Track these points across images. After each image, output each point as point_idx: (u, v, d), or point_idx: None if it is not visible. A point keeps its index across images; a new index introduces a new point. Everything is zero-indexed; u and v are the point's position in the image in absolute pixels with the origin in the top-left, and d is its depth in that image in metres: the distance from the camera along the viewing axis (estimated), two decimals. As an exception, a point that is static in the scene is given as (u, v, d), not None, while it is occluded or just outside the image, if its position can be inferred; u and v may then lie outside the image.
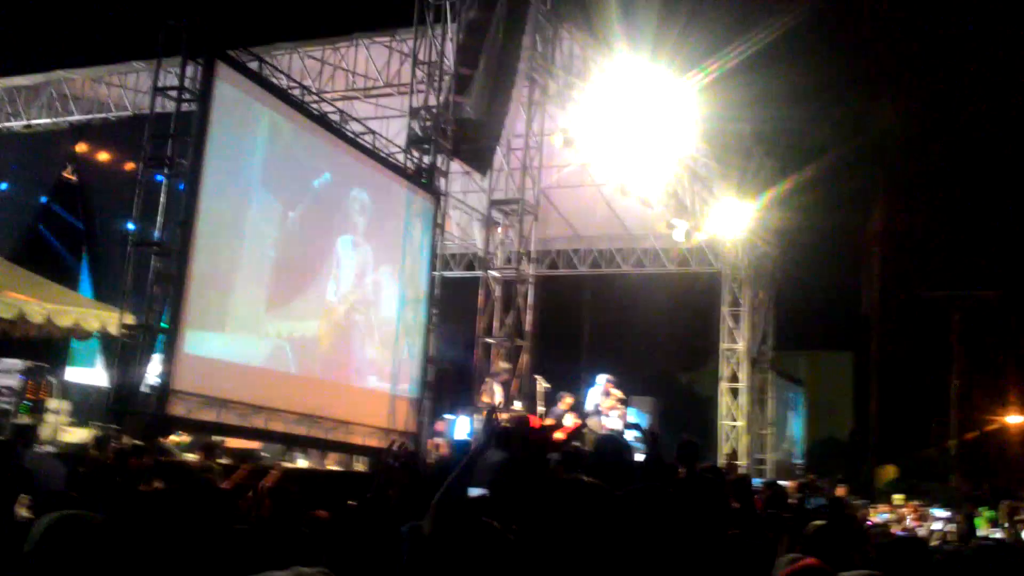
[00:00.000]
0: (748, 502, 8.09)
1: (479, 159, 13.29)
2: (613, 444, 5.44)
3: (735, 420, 20.85)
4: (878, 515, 17.93)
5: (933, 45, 26.08)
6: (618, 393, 15.07)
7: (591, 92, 14.62)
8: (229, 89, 9.77)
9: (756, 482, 12.62)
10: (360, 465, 13.20)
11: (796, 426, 27.69)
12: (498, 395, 13.51)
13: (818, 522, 4.03)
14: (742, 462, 20.32)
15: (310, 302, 10.97)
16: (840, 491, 15.90)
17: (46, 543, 2.51)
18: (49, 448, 12.11)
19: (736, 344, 21.14)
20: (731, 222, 18.51)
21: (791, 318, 24.85)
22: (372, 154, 12.41)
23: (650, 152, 15.34)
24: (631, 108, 14.23)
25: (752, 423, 21.26)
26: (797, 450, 27.22)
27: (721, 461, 19.86)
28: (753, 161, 18.64)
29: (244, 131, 10.01)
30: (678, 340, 27.99)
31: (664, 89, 14.33)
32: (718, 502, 5.54)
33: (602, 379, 15.22)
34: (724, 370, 21.16)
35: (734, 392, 20.97)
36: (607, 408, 14.77)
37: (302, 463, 13.36)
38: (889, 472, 28.01)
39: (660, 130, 14.93)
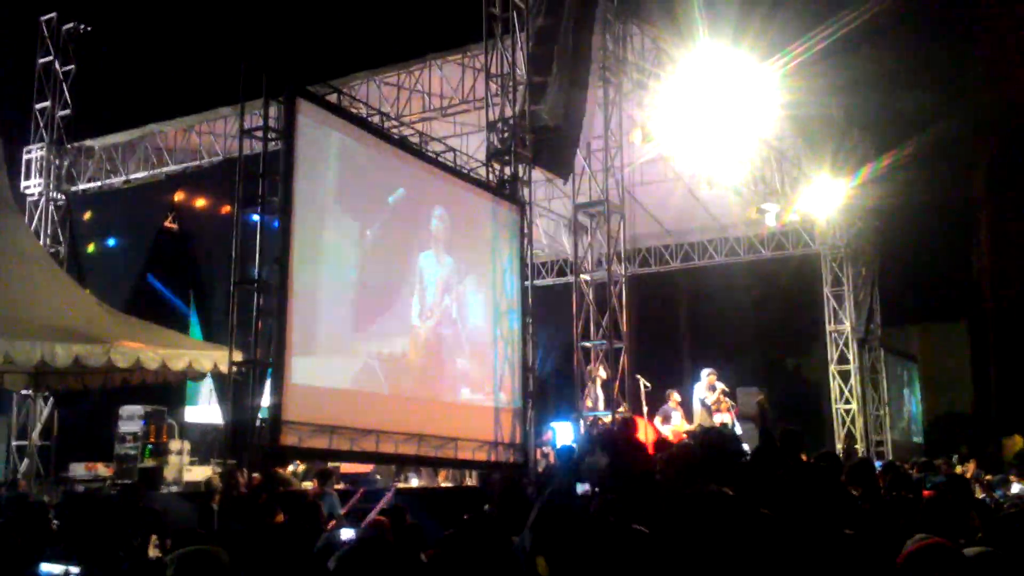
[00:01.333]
0: (870, 486, 7.86)
1: (560, 165, 13.28)
2: (717, 436, 5.35)
3: (848, 403, 20.28)
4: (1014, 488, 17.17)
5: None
6: (722, 386, 14.86)
7: (668, 84, 14.47)
8: (311, 124, 10.02)
9: (877, 465, 12.26)
10: (471, 480, 13.33)
11: (913, 404, 26.74)
12: (600, 400, 13.47)
13: (932, 497, 3.90)
14: (859, 446, 19.75)
15: (397, 320, 11.08)
16: (970, 467, 15.30)
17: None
18: (174, 488, 12.63)
19: (842, 325, 20.59)
20: (824, 201, 18.06)
21: (898, 293, 24.07)
22: (453, 171, 12.54)
23: (734, 139, 15.09)
24: (712, 96, 14.01)
25: (866, 405, 20.66)
26: (916, 428, 26.29)
27: (839, 447, 19.36)
28: (848, 139, 18.16)
29: (321, 159, 10.24)
30: (781, 326, 27.36)
31: (746, 75, 14.08)
32: (833, 490, 5.38)
33: (705, 373, 15.04)
34: (832, 352, 20.63)
35: (844, 375, 20.41)
36: (713, 403, 14.58)
37: (415, 482, 13.57)
38: (1017, 443, 26.77)
39: (743, 116, 14.67)
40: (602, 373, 13.54)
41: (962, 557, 2.85)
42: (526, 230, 13.43)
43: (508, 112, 12.95)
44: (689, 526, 1.78)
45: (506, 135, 12.99)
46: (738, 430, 13.51)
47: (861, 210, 19.92)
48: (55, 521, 8.03)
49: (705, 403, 14.78)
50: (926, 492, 8.09)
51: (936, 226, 26.51)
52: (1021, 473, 17.09)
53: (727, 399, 14.96)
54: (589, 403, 13.42)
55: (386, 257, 11.09)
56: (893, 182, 18.88)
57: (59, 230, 18.35)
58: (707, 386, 14.91)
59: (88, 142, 18.71)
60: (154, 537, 7.98)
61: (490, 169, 13.19)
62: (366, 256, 10.79)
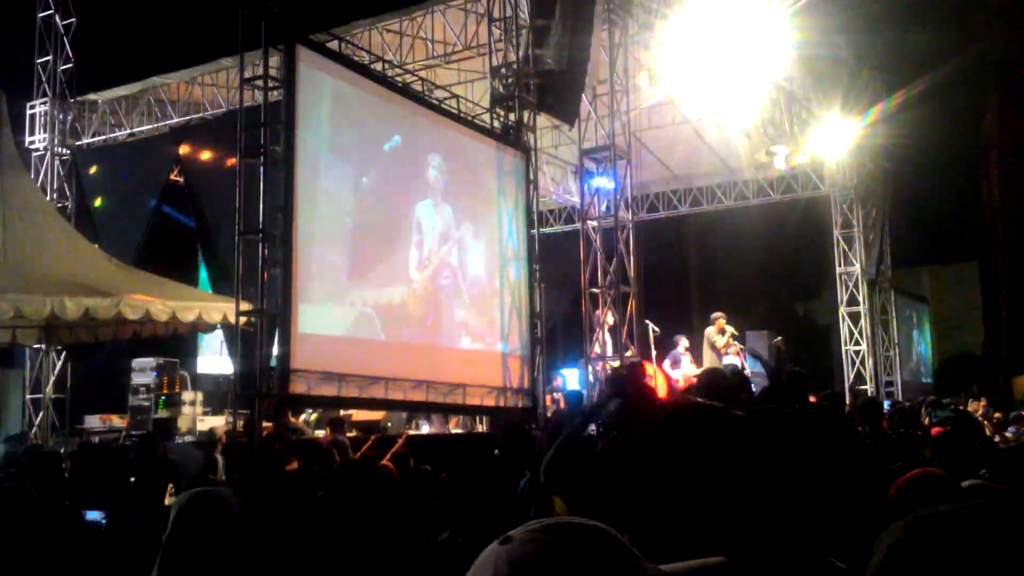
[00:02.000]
0: (876, 424, 7.91)
1: (565, 110, 13.16)
2: (717, 376, 5.37)
3: (858, 345, 20.29)
4: None
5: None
6: (731, 329, 14.87)
7: (675, 25, 14.24)
8: (312, 71, 9.93)
9: (886, 404, 12.31)
10: (482, 426, 13.45)
11: (923, 345, 26.74)
12: (608, 345, 13.51)
13: (940, 431, 3.91)
14: (869, 386, 19.79)
15: (396, 268, 11.08)
16: (973, 406, 15.36)
17: (183, 517, 2.65)
18: (188, 438, 12.79)
19: (852, 267, 20.50)
20: (834, 142, 17.86)
21: (908, 234, 23.96)
22: (456, 118, 12.43)
23: (743, 81, 14.89)
24: (721, 37, 13.79)
25: (876, 346, 20.66)
26: (926, 369, 26.31)
27: (848, 388, 19.42)
28: (858, 80, 17.89)
29: (322, 106, 10.16)
30: (790, 270, 27.33)
31: (755, 14, 13.84)
32: (839, 428, 5.40)
33: (714, 317, 15.04)
34: (842, 295, 20.57)
35: (854, 316, 20.38)
36: (723, 346, 14.61)
37: (426, 429, 13.69)
38: (1026, 382, 26.82)
39: (752, 57, 14.45)
40: (609, 319, 13.55)
41: (954, 486, 2.86)
42: (532, 177, 13.36)
43: (512, 57, 12.80)
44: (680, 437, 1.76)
45: (510, 81, 12.86)
46: (748, 372, 13.53)
47: (871, 151, 19.71)
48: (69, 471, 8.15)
49: (715, 347, 14.81)
50: (935, 430, 8.14)
51: (947, 166, 26.30)
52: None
53: (736, 342, 14.99)
54: (597, 349, 13.46)
55: (383, 206, 11.04)
56: (903, 122, 18.65)
57: (65, 185, 18.33)
58: (717, 330, 14.94)
59: (91, 96, 18.60)
60: (170, 486, 8.11)
61: (494, 116, 13.09)
62: (364, 204, 10.76)
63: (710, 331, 15.12)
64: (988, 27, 24.49)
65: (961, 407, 13.39)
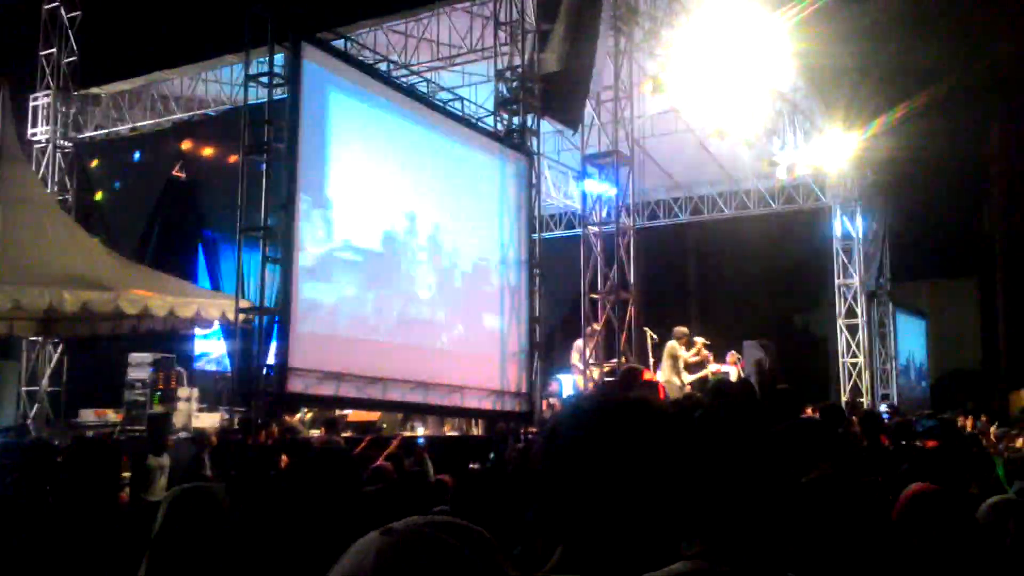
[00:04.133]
0: (875, 437, 7.89)
1: (569, 115, 13.16)
2: (725, 385, 5.35)
3: (855, 357, 20.28)
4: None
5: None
6: (701, 340, 14.64)
7: (680, 34, 14.26)
8: (316, 70, 9.93)
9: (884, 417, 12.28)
10: (477, 429, 13.42)
11: (921, 359, 26.73)
12: (587, 354, 13.48)
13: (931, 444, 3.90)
14: (866, 399, 19.78)
15: (397, 269, 11.06)
16: (962, 421, 15.38)
17: (172, 513, 2.63)
18: (183, 434, 12.75)
19: (851, 279, 20.51)
20: (836, 154, 17.88)
21: (908, 248, 23.94)
22: (460, 119, 12.43)
23: (745, 90, 14.90)
24: (724, 47, 13.82)
25: (873, 359, 20.65)
26: (923, 384, 26.31)
27: (844, 400, 19.41)
28: (860, 91, 17.92)
29: (326, 105, 10.15)
30: (788, 280, 27.28)
31: (758, 25, 13.87)
32: (828, 443, 5.36)
33: (679, 332, 14.58)
34: (840, 306, 20.57)
35: (852, 328, 20.37)
36: (692, 358, 14.28)
37: (421, 431, 13.66)
38: (1022, 398, 26.81)
39: (755, 67, 14.47)
40: (592, 328, 13.55)
41: (958, 503, 2.85)
42: (534, 181, 13.35)
43: (517, 61, 12.80)
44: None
45: (514, 84, 12.85)
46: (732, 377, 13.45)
47: (873, 163, 19.73)
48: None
49: (677, 360, 14.56)
50: (930, 443, 8.13)
51: (949, 181, 26.28)
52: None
53: (706, 350, 14.80)
54: (575, 358, 13.41)
55: (387, 205, 11.02)
56: (906, 135, 18.66)
57: (67, 178, 18.32)
58: (682, 344, 14.78)
59: (94, 89, 18.60)
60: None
61: (498, 119, 13.08)
62: (372, 204, 10.74)
63: (673, 345, 14.93)
64: (993, 42, 24.51)
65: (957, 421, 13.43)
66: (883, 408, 17.59)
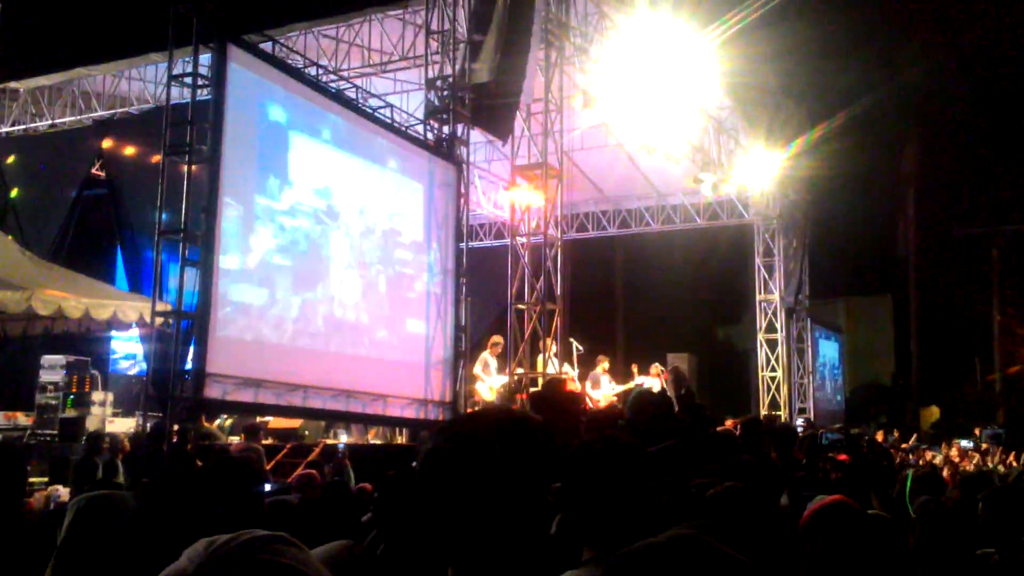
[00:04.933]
0: (788, 451, 8.08)
1: (499, 125, 13.22)
2: (646, 397, 5.43)
3: (774, 371, 20.76)
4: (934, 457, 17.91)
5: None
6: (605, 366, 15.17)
7: (609, 50, 14.46)
8: (244, 73, 9.80)
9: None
10: (401, 437, 13.35)
11: (837, 373, 27.48)
12: (492, 366, 13.55)
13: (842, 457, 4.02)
14: (783, 412, 20.25)
15: (323, 275, 10.97)
16: (879, 435, 15.89)
17: (78, 520, 2.58)
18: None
19: (771, 295, 20.99)
20: (759, 172, 18.33)
21: (826, 265, 24.63)
22: (389, 127, 12.39)
23: (673, 107, 15.17)
24: (652, 64, 14.06)
25: (791, 373, 21.16)
26: (838, 397, 27.05)
27: (763, 413, 19.83)
28: (782, 111, 18.40)
29: (251, 108, 10.02)
30: (712, 295, 27.84)
31: (685, 44, 14.15)
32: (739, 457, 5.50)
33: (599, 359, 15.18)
34: (761, 322, 21.04)
35: (772, 343, 20.86)
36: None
37: (344, 439, 13.53)
38: (934, 413, 27.79)
39: (682, 85, 14.75)
40: (493, 340, 13.71)
41: (863, 515, 2.94)
42: (463, 190, 13.37)
43: (448, 70, 12.82)
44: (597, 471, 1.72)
45: (445, 93, 12.87)
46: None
47: (794, 181, 20.26)
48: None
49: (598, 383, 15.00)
50: (841, 456, 8.36)
51: (865, 200, 27.14)
52: (935, 441, 17.77)
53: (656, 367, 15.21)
54: (477, 368, 13.47)
55: (309, 211, 10.91)
56: (825, 154, 19.23)
57: (-20, 174, 17.74)
58: (603, 371, 15.17)
59: (13, 84, 18.05)
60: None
61: (428, 127, 13.08)
62: (295, 209, 10.62)
63: (596, 372, 15.29)
64: (909, 63, 25.41)
65: (864, 435, 13.83)
66: (799, 422, 18.02)
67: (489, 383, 13.45)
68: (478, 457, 1.39)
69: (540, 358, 13.34)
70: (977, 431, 21.85)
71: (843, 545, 2.81)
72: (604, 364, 15.30)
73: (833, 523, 2.89)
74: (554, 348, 13.57)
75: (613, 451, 1.92)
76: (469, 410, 11.25)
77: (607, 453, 1.90)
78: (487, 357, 13.61)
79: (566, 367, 14.30)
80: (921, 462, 16.03)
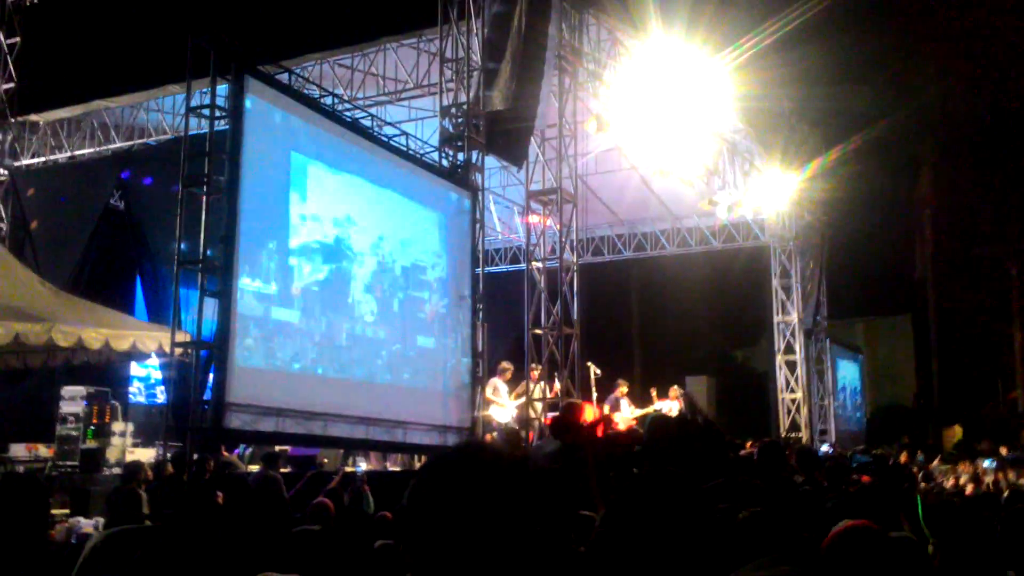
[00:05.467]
0: (811, 474, 8.01)
1: (513, 151, 13.28)
2: (661, 422, 5.42)
3: (794, 392, 20.63)
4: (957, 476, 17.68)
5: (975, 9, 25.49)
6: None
7: (623, 75, 14.53)
8: (261, 103, 9.89)
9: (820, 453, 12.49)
10: (420, 464, 13.31)
11: (856, 395, 27.28)
12: (503, 391, 13.51)
13: (865, 479, 3.98)
14: (804, 434, 20.09)
15: (339, 303, 10.97)
16: (903, 458, 15.72)
17: (94, 557, 2.58)
18: (116, 470, 12.42)
19: (789, 316, 20.90)
20: (775, 194, 18.32)
21: (844, 286, 24.51)
22: (405, 154, 12.46)
23: (687, 131, 15.22)
24: (665, 88, 14.13)
25: (811, 394, 21.02)
26: (859, 419, 26.84)
27: (783, 435, 19.69)
28: (797, 134, 18.42)
29: (269, 139, 10.09)
30: (730, 317, 27.73)
31: (698, 68, 14.20)
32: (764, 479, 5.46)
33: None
34: (779, 343, 20.93)
35: (791, 364, 20.73)
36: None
37: (364, 466, 13.52)
38: (957, 433, 27.48)
39: (696, 108, 14.80)
40: (503, 366, 13.77)
41: (886, 539, 2.91)
42: (478, 216, 13.42)
43: (462, 98, 12.90)
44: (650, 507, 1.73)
45: (459, 121, 12.95)
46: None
47: (810, 203, 20.23)
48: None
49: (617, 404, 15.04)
50: (864, 478, 8.29)
51: (882, 221, 27.05)
52: (958, 461, 17.55)
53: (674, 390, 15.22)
54: (489, 392, 13.40)
55: (328, 240, 10.96)
56: (841, 177, 19.21)
57: (1, 206, 17.93)
58: (619, 396, 15.23)
59: (33, 117, 18.27)
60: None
61: (443, 155, 13.15)
62: (312, 238, 10.68)
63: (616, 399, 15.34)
64: (925, 85, 25.40)
65: (888, 456, 13.70)
66: (824, 447, 17.83)
67: (505, 407, 13.42)
68: (451, 497, 1.47)
69: (555, 382, 13.33)
70: (1004, 450, 21.58)
71: (866, 568, 2.79)
72: (623, 388, 15.30)
73: (856, 546, 2.87)
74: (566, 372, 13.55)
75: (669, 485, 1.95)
76: (465, 439, 11.23)
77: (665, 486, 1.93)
78: (497, 382, 13.60)
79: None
80: (949, 482, 15.83)
